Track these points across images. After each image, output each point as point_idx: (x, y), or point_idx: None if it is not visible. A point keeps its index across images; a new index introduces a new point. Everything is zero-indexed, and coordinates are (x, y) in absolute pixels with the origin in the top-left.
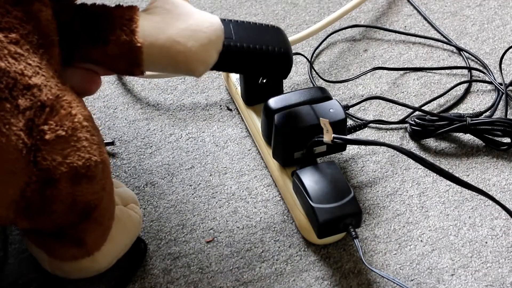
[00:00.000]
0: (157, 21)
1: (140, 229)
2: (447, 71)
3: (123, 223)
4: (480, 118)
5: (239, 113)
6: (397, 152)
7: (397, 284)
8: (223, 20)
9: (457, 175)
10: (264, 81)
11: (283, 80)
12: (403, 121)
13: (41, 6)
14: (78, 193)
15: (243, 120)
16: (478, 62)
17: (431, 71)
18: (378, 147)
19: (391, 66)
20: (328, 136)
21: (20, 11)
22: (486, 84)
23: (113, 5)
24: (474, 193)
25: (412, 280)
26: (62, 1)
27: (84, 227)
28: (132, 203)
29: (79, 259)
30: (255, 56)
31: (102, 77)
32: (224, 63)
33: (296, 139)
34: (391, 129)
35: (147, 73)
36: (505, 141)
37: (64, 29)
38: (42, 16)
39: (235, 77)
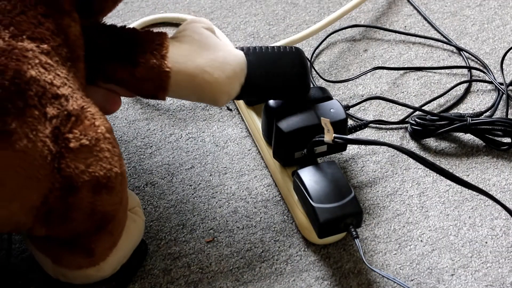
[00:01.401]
0: (186, 49)
1: (143, 232)
2: (447, 71)
3: (129, 230)
4: (480, 118)
5: (239, 113)
6: (397, 152)
7: (398, 284)
8: (244, 51)
9: (457, 175)
10: None
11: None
12: (403, 121)
13: (71, 21)
14: (98, 203)
15: (243, 120)
16: (478, 62)
17: (431, 71)
18: (378, 147)
19: (391, 66)
20: (329, 136)
21: (52, 23)
22: (486, 84)
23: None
24: (474, 193)
25: (412, 280)
26: (91, 19)
27: (97, 237)
28: (136, 207)
29: (84, 268)
30: (273, 86)
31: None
32: (244, 94)
33: (296, 139)
34: (391, 129)
35: None
36: (505, 141)
37: (91, 47)
38: (71, 31)
39: None
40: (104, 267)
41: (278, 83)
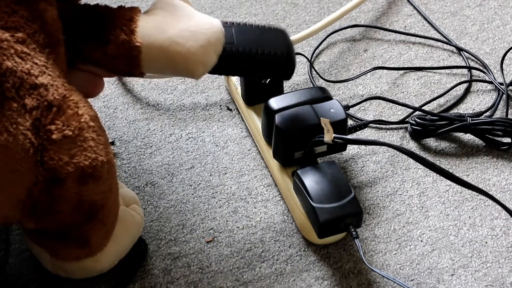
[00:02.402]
0: (157, 22)
1: (141, 229)
2: (447, 71)
3: (126, 223)
4: (480, 118)
5: (239, 113)
6: (397, 152)
7: (398, 284)
8: (224, 23)
9: (457, 175)
10: (267, 81)
11: (283, 80)
12: (403, 121)
13: (47, 5)
14: (84, 193)
15: (243, 120)
16: (478, 62)
17: (431, 71)
18: (378, 147)
19: (391, 66)
20: (328, 136)
21: (26, 10)
22: (486, 84)
23: (115, 5)
24: (474, 193)
25: (412, 280)
26: (67, 1)
27: (89, 227)
28: (134, 204)
29: (82, 259)
30: (256, 60)
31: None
32: (225, 67)
33: (296, 139)
34: (391, 129)
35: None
36: (505, 141)
37: (68, 29)
38: (47, 15)
39: (235, 77)
40: (101, 258)
41: (260, 58)
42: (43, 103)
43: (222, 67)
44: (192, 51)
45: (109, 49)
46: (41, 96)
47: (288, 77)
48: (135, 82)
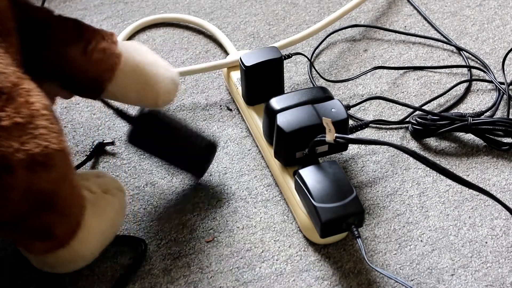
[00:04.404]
0: (135, 45)
1: (123, 213)
2: (447, 71)
3: (99, 208)
4: (481, 117)
5: (239, 113)
6: (397, 152)
7: (400, 283)
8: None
9: (458, 174)
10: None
11: (284, 80)
12: (403, 121)
13: None
14: (34, 181)
15: (243, 120)
16: (478, 62)
17: (431, 70)
18: (378, 146)
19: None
20: (330, 135)
21: None
22: (486, 83)
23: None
24: (474, 193)
25: (412, 280)
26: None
27: (48, 219)
28: (113, 189)
29: (54, 251)
30: (181, 138)
31: None
32: (155, 127)
33: (298, 139)
34: (391, 128)
35: None
36: (506, 141)
37: (50, 31)
38: None
39: (236, 77)
40: (76, 247)
41: (183, 141)
42: None
43: (153, 125)
44: (163, 77)
45: (91, 51)
46: None
47: (199, 176)
48: None
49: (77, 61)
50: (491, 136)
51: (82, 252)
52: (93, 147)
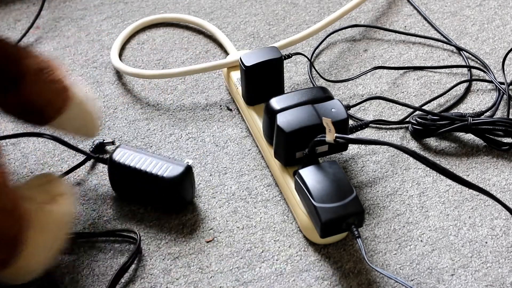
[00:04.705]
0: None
1: (70, 217)
2: (447, 71)
3: (41, 223)
4: (481, 118)
5: (239, 113)
6: (397, 152)
7: (400, 283)
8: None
9: (458, 174)
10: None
11: (284, 80)
12: (403, 121)
13: None
14: None
15: (243, 120)
16: (478, 62)
17: (431, 70)
18: (378, 146)
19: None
20: (330, 135)
21: None
22: (486, 83)
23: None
24: (474, 193)
25: (412, 280)
26: None
27: None
28: (57, 196)
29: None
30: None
31: (102, 76)
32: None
33: (298, 139)
34: (391, 128)
35: (147, 72)
36: (506, 141)
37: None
38: None
39: (236, 77)
40: (22, 264)
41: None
42: None
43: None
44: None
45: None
46: None
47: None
48: (135, 82)
49: (34, 82)
50: (491, 136)
51: (30, 267)
52: (93, 146)
